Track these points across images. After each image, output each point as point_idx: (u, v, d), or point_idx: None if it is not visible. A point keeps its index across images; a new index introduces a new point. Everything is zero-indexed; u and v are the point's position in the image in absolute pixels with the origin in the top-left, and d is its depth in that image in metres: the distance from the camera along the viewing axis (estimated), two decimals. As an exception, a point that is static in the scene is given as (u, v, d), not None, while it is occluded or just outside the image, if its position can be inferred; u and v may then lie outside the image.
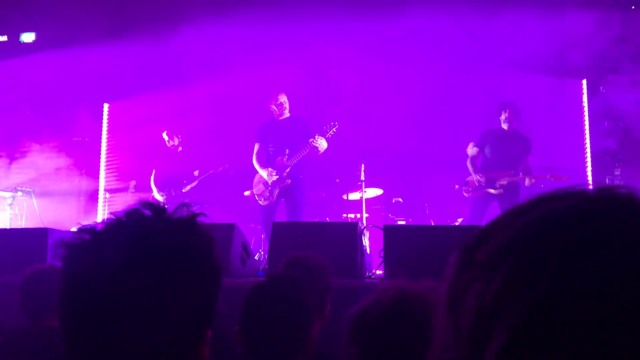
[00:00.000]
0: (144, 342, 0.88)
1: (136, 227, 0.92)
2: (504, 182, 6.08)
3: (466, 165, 6.36)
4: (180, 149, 7.20)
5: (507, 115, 6.21)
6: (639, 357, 0.41)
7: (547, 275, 0.45)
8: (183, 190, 7.01)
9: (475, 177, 6.21)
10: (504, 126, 6.25)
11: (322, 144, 6.01)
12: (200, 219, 0.96)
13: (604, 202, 0.48)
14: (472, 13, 7.08)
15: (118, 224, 0.93)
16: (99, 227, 0.93)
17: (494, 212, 6.21)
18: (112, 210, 6.61)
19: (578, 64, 7.25)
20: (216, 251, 0.96)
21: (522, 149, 6.23)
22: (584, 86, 7.54)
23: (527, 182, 6.02)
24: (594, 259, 0.43)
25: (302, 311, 1.77)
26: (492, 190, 6.10)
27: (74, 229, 0.96)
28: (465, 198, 6.45)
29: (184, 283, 0.90)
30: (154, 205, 0.94)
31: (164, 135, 7.15)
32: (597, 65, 7.27)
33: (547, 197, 0.51)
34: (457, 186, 6.79)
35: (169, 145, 7.17)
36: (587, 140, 7.44)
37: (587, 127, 7.47)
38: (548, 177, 6.08)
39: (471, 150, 6.41)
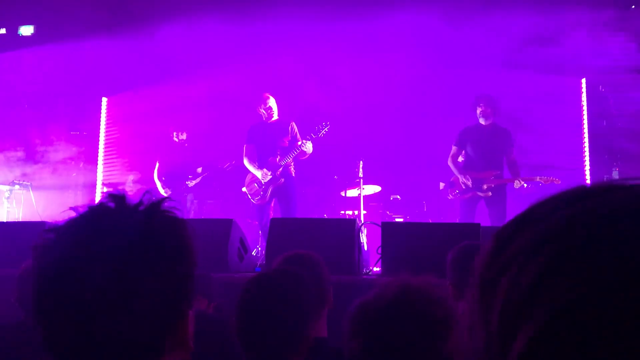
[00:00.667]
0: (118, 332, 0.89)
1: (96, 220, 0.93)
2: (491, 184, 6.00)
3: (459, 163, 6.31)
4: (185, 145, 7.22)
5: (482, 109, 6.08)
6: None
7: (588, 269, 0.42)
8: (189, 186, 7.04)
9: (461, 179, 6.10)
10: (482, 121, 6.12)
11: (308, 147, 6.15)
12: (167, 204, 0.97)
13: None
14: (470, 11, 7.07)
15: (80, 220, 0.94)
16: (62, 225, 0.94)
17: (481, 212, 6.22)
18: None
19: (577, 62, 7.25)
20: (183, 232, 0.97)
21: (503, 143, 6.10)
22: (583, 85, 7.53)
23: (515, 184, 5.93)
24: None
25: (297, 305, 1.75)
26: (479, 193, 6.03)
27: (43, 231, 0.98)
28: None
29: (147, 269, 0.91)
30: (116, 197, 0.96)
31: (174, 133, 7.16)
32: (596, 64, 7.27)
33: (591, 190, 0.48)
34: (442, 184, 6.75)
35: (177, 140, 7.17)
36: (586, 140, 7.44)
37: (585, 126, 7.47)
38: (537, 179, 6.00)
39: (452, 150, 6.29)
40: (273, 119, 6.40)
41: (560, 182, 5.99)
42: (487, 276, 0.49)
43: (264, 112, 6.38)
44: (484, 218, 6.13)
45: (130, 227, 0.92)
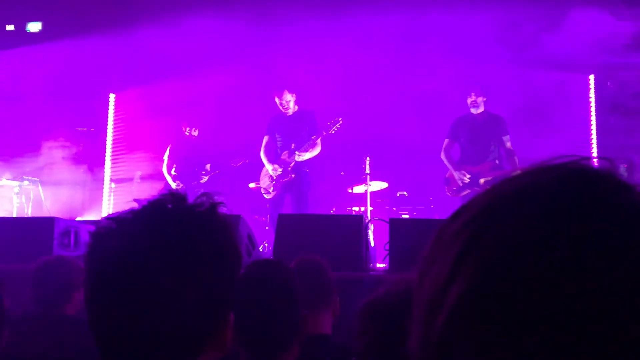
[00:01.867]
0: (166, 323, 0.92)
1: (159, 214, 0.97)
2: (488, 177, 5.86)
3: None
4: (195, 142, 7.24)
5: (473, 98, 5.99)
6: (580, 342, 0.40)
7: (494, 249, 0.45)
8: (202, 182, 7.07)
9: (457, 175, 5.98)
10: (473, 110, 6.02)
11: (303, 157, 6.20)
12: (220, 208, 1.01)
13: (569, 177, 0.48)
14: (476, 6, 7.04)
15: (142, 212, 0.97)
16: (124, 216, 0.97)
17: None
18: (118, 200, 6.65)
19: (585, 58, 7.21)
20: (234, 237, 1.01)
21: (498, 131, 5.97)
22: (591, 81, 7.50)
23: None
24: (547, 237, 0.43)
25: (284, 294, 1.75)
26: (477, 189, 5.90)
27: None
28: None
29: (202, 266, 0.95)
30: (174, 195, 1.00)
31: (187, 128, 7.17)
32: (604, 60, 7.23)
33: (518, 175, 0.50)
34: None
35: (188, 134, 7.19)
36: (594, 136, 7.41)
37: (593, 123, 7.44)
38: None
39: (445, 143, 6.17)
40: (290, 112, 6.39)
41: None
42: (425, 262, 0.52)
43: (280, 105, 6.39)
44: None
45: (191, 224, 0.96)
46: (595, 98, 7.46)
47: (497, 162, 5.95)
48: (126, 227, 0.95)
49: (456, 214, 0.51)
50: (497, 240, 0.45)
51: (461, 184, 5.99)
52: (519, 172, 0.50)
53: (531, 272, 0.42)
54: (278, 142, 6.44)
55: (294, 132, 6.33)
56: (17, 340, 2.04)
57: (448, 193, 6.19)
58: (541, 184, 0.47)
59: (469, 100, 6.01)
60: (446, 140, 6.17)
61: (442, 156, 6.18)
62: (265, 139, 6.50)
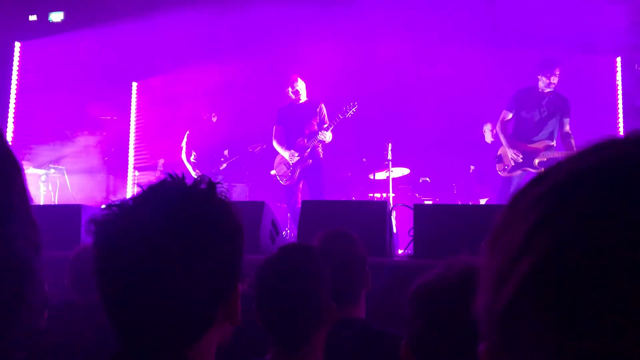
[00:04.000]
0: (180, 296, 0.96)
1: (163, 194, 1.01)
2: (543, 158, 5.59)
3: (488, 145, 6.09)
4: (214, 128, 7.28)
5: (556, 75, 5.59)
6: None
7: (571, 222, 0.43)
8: (220, 168, 7.12)
9: (510, 154, 5.69)
10: (546, 88, 5.66)
11: (325, 137, 6.21)
12: (219, 188, 1.06)
13: None
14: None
15: (145, 195, 1.01)
16: (127, 200, 1.01)
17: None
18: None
19: (612, 40, 7.06)
20: (234, 212, 1.05)
21: (562, 113, 5.68)
22: (618, 64, 7.35)
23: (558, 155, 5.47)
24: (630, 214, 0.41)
25: (312, 280, 1.73)
26: (530, 169, 5.60)
27: (104, 207, 1.04)
28: (492, 176, 6.24)
29: (211, 240, 0.99)
30: (174, 177, 1.04)
31: (211, 115, 7.22)
32: (632, 42, 7.07)
33: (609, 143, 0.48)
34: (472, 167, 6.57)
35: (209, 118, 7.23)
36: (620, 120, 7.28)
37: (620, 106, 7.30)
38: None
39: (503, 114, 5.81)
40: (301, 100, 6.43)
41: None
42: (496, 232, 0.51)
43: (292, 94, 6.42)
44: None
45: (194, 201, 1.00)
46: (622, 80, 7.31)
47: (552, 143, 5.69)
48: (132, 208, 0.99)
49: (534, 182, 0.50)
50: (576, 213, 0.43)
51: (514, 164, 5.74)
52: (598, 145, 0.48)
53: (610, 250, 0.41)
54: (289, 131, 6.47)
55: (306, 121, 6.37)
56: (54, 327, 2.08)
57: (500, 172, 5.88)
58: (623, 158, 0.45)
59: (551, 81, 5.62)
60: (505, 112, 5.80)
61: (498, 129, 5.87)
62: (275, 128, 6.55)
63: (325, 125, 6.30)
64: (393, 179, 6.72)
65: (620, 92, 7.31)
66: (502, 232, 0.50)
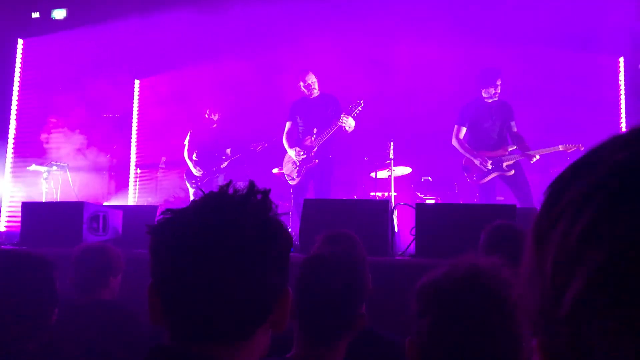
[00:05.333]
0: (247, 299, 1.03)
1: (226, 202, 1.07)
2: (510, 162, 5.82)
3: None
4: (215, 125, 7.27)
5: (498, 90, 5.87)
6: None
7: (630, 221, 0.41)
8: (222, 167, 7.12)
9: (477, 162, 5.91)
10: (494, 97, 5.92)
11: (349, 122, 6.04)
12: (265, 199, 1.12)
13: None
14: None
15: (209, 201, 1.08)
16: (197, 205, 1.08)
17: (502, 190, 6.13)
18: (143, 186, 6.73)
19: (615, 40, 7.05)
20: (285, 223, 1.13)
21: (509, 117, 5.92)
22: (621, 64, 7.34)
23: (534, 158, 5.71)
24: None
25: (353, 286, 1.82)
26: (505, 174, 5.82)
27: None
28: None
29: (270, 246, 1.05)
30: (233, 186, 1.11)
31: (207, 112, 7.21)
32: (635, 42, 7.06)
33: None
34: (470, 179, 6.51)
35: (208, 117, 7.22)
36: (623, 120, 7.27)
37: (623, 106, 7.29)
38: (560, 148, 5.75)
39: (457, 130, 6.06)
40: (314, 95, 6.36)
41: (582, 147, 5.77)
42: (542, 226, 0.49)
43: (304, 88, 6.35)
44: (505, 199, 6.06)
45: (256, 210, 1.07)
46: (625, 81, 7.30)
47: (513, 147, 5.89)
48: (204, 213, 1.05)
49: (574, 174, 0.48)
50: (630, 220, 0.42)
51: (485, 170, 5.93)
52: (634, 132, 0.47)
53: None
54: (300, 127, 6.39)
55: (317, 115, 6.28)
56: (55, 326, 2.09)
57: (469, 180, 6.11)
58: None
59: (496, 91, 5.89)
60: (458, 127, 6.08)
61: (455, 143, 6.09)
62: (288, 125, 6.45)
63: (343, 114, 6.07)
64: (395, 177, 6.71)
65: (622, 92, 7.30)
66: (550, 227, 0.48)
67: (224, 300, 1.01)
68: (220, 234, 1.02)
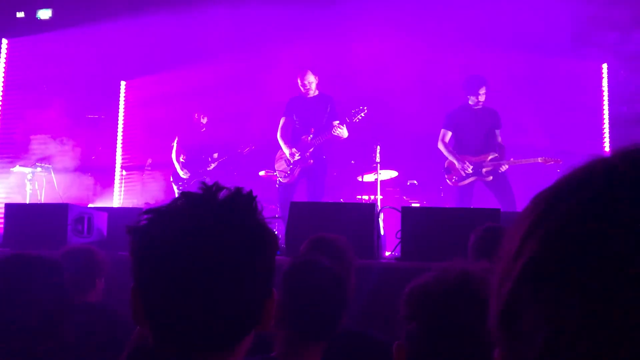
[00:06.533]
0: (237, 302, 0.99)
1: (211, 203, 1.02)
2: (489, 167, 5.92)
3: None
4: (204, 129, 7.26)
5: (485, 91, 5.97)
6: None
7: (556, 223, 0.47)
8: (208, 169, 7.10)
9: (459, 165, 6.01)
10: (479, 104, 6.02)
11: (342, 132, 6.07)
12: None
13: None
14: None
15: (193, 201, 1.03)
16: (178, 205, 1.03)
17: (481, 193, 6.20)
18: (129, 188, 6.65)
19: (599, 47, 7.15)
20: (267, 219, 1.10)
21: (495, 125, 6.03)
22: (605, 70, 7.44)
23: (503, 167, 5.83)
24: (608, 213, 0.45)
25: (337, 293, 1.87)
26: (484, 178, 5.93)
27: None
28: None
29: (257, 249, 1.02)
30: (214, 186, 1.06)
31: (196, 115, 7.19)
32: (618, 49, 7.17)
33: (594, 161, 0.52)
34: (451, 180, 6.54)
35: (197, 119, 7.20)
36: (606, 126, 7.37)
37: (606, 112, 7.39)
38: (539, 160, 5.87)
39: (443, 134, 6.16)
40: (311, 94, 6.30)
41: (561, 161, 5.89)
42: (503, 242, 0.54)
43: (301, 86, 6.29)
44: (483, 203, 6.12)
45: (241, 211, 1.03)
46: (608, 87, 7.41)
47: (495, 154, 5.98)
48: (178, 216, 1.00)
49: (534, 198, 0.54)
50: (559, 215, 0.48)
51: (464, 174, 6.02)
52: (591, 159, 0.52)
53: (586, 240, 0.45)
54: (296, 124, 6.32)
55: (314, 115, 6.22)
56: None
57: (449, 182, 6.20)
58: (604, 169, 0.50)
59: (479, 99, 5.98)
60: (444, 131, 6.18)
61: (441, 146, 6.18)
62: (283, 120, 6.36)
63: (336, 123, 6.09)
64: (381, 181, 6.75)
65: (606, 98, 7.40)
66: (505, 242, 0.54)
67: (207, 309, 0.97)
68: (204, 238, 0.97)
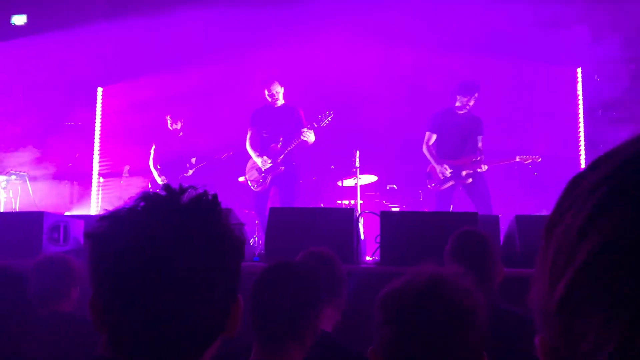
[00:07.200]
0: (196, 311, 0.95)
1: (169, 207, 0.97)
2: (470, 170, 5.97)
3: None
4: (181, 134, 7.20)
5: (472, 102, 6.02)
6: None
7: (633, 206, 0.42)
8: (186, 175, 7.05)
9: (438, 169, 6.07)
10: (465, 109, 6.07)
11: (310, 137, 6.13)
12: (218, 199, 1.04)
13: None
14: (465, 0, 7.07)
15: (150, 205, 0.98)
16: (132, 210, 0.97)
17: (463, 198, 6.26)
18: (106, 195, 6.53)
19: (573, 52, 7.26)
20: (234, 224, 1.04)
21: (478, 131, 6.09)
22: (579, 75, 7.55)
23: (483, 167, 5.87)
24: None
25: (311, 296, 1.89)
26: (460, 182, 5.99)
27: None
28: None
29: (221, 253, 0.98)
30: (172, 188, 1.01)
31: (168, 118, 7.13)
32: (592, 53, 7.28)
33: None
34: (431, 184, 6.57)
35: (171, 128, 7.15)
36: (581, 129, 7.48)
37: (581, 116, 7.50)
38: (517, 159, 5.95)
39: (427, 136, 6.21)
40: (278, 104, 6.37)
41: (540, 159, 5.96)
42: (552, 219, 0.49)
43: (268, 97, 6.35)
44: (463, 207, 6.17)
45: (203, 215, 0.98)
46: (583, 91, 7.52)
47: (477, 158, 6.03)
48: (140, 218, 0.96)
49: (591, 167, 0.48)
50: (634, 203, 0.42)
51: (442, 177, 6.07)
52: None
53: None
54: (263, 134, 6.39)
55: (282, 124, 6.29)
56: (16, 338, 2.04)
57: (429, 186, 6.25)
58: None
59: (469, 104, 6.02)
60: (428, 133, 6.22)
61: (425, 150, 6.23)
62: (250, 132, 6.45)
63: (305, 129, 6.15)
64: (361, 186, 6.77)
65: (580, 102, 7.52)
66: (558, 219, 0.48)
67: (165, 318, 0.92)
68: (163, 244, 0.92)
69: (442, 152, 6.16)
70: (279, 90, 6.34)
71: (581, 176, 0.49)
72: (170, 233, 0.93)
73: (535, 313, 0.49)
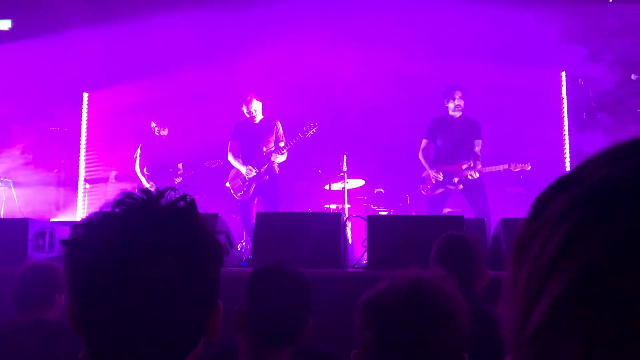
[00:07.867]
0: (173, 316, 0.93)
1: (147, 211, 0.96)
2: (462, 176, 6.02)
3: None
4: (165, 137, 7.17)
5: (458, 101, 6.06)
6: None
7: (609, 235, 0.40)
8: (176, 181, 7.02)
9: (432, 174, 6.11)
10: (455, 113, 6.12)
11: (278, 159, 6.32)
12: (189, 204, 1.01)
13: None
14: (451, 2, 7.11)
15: (128, 209, 0.96)
16: (105, 214, 0.96)
17: (457, 200, 6.29)
18: (92, 201, 6.46)
19: (557, 55, 7.33)
20: (213, 229, 1.02)
21: (474, 135, 6.12)
22: (563, 78, 7.63)
23: (474, 174, 5.91)
24: None
25: (304, 299, 1.91)
26: (451, 187, 6.05)
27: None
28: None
29: (199, 258, 0.96)
30: (150, 192, 0.99)
31: (153, 123, 7.10)
32: (576, 56, 7.36)
33: (633, 148, 0.45)
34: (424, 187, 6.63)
35: (158, 134, 7.12)
36: (566, 132, 7.55)
37: (565, 119, 7.57)
38: (507, 166, 6.00)
39: (423, 143, 6.26)
40: (257, 120, 6.47)
41: (530, 167, 6.02)
42: (522, 241, 0.48)
43: (246, 114, 6.47)
44: (462, 211, 6.20)
45: (180, 219, 0.96)
46: (567, 94, 7.59)
47: (470, 163, 6.07)
48: (115, 224, 0.94)
49: (558, 187, 0.47)
50: (616, 227, 0.41)
51: (434, 182, 6.11)
52: (622, 148, 0.46)
53: None
54: (244, 148, 6.48)
55: (262, 139, 6.41)
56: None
57: (423, 191, 6.29)
58: None
59: (454, 104, 6.07)
60: (424, 140, 6.27)
61: (420, 156, 6.27)
62: (231, 144, 6.54)
63: (282, 144, 6.34)
64: (348, 190, 6.78)
65: (565, 105, 7.59)
66: (527, 242, 0.47)
67: (146, 325, 0.91)
68: (141, 252, 0.91)
69: (438, 158, 6.20)
70: (256, 108, 6.45)
71: (548, 197, 0.47)
72: (145, 239, 0.92)
73: (505, 335, 0.48)
